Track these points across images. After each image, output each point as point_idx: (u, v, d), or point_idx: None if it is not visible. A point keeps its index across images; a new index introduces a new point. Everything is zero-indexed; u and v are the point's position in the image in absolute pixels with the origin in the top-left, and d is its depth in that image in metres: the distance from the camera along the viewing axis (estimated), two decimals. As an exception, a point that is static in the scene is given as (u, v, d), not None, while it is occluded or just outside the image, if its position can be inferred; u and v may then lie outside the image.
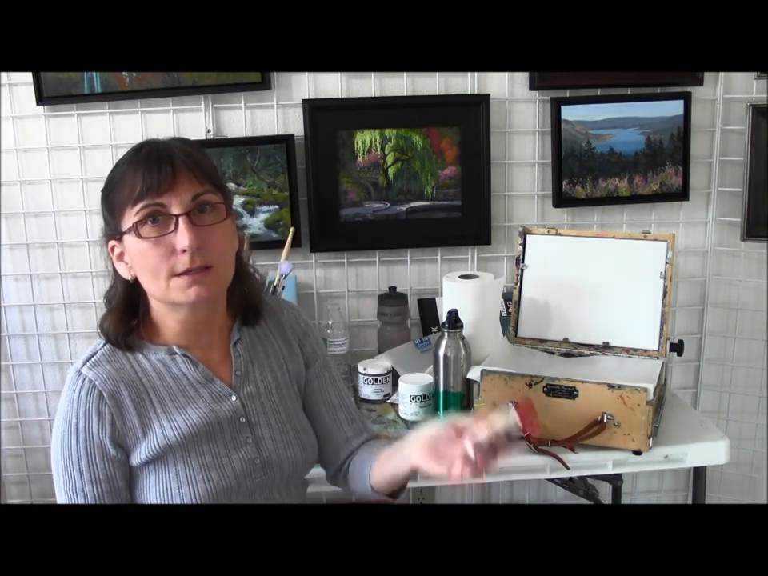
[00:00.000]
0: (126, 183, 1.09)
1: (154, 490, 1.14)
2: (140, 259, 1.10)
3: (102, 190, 1.14)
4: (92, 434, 1.11)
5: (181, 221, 1.07)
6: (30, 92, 1.89)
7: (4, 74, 1.91)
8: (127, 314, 1.17)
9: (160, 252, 1.08)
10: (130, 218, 1.08)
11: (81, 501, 1.11)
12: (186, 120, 1.98)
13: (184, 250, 1.07)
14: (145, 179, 1.07)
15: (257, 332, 1.27)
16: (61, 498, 1.13)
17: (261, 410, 1.22)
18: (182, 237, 1.07)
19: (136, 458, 1.13)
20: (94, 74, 1.89)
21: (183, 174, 1.08)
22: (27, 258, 2.02)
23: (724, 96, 2.06)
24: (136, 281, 1.14)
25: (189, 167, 1.09)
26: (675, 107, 2.05)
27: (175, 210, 1.08)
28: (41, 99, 1.90)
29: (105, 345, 1.17)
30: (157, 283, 1.10)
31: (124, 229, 1.10)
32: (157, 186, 1.07)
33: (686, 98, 2.04)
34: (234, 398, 1.20)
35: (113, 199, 1.11)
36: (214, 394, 1.18)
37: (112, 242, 1.14)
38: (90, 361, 1.15)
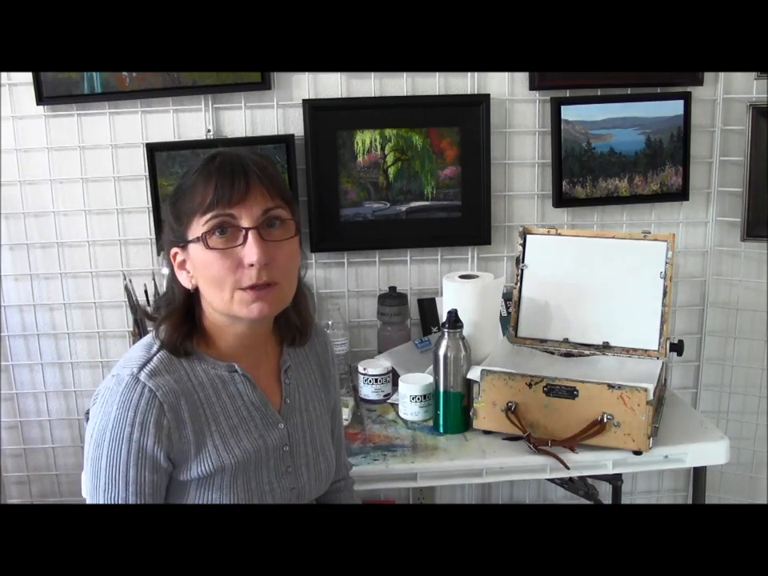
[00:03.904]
0: (196, 192, 1.07)
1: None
2: (205, 269, 1.07)
3: (170, 197, 1.13)
4: (146, 447, 1.06)
5: (250, 234, 1.05)
6: (30, 92, 1.90)
7: (4, 74, 1.91)
8: (184, 322, 1.13)
9: (226, 264, 1.06)
10: (198, 227, 1.06)
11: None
12: (186, 120, 1.98)
13: (251, 265, 1.05)
14: (217, 189, 1.05)
15: (299, 358, 1.26)
16: (97, 501, 1.08)
17: (302, 440, 1.22)
18: (251, 251, 1.05)
19: (185, 474, 1.10)
20: (94, 73, 1.89)
21: (256, 187, 1.06)
22: (27, 258, 2.02)
23: (724, 96, 2.06)
24: (195, 290, 1.12)
25: (262, 181, 1.07)
26: (675, 107, 2.05)
27: (245, 222, 1.05)
28: (41, 99, 1.90)
29: (160, 350, 1.12)
30: (221, 295, 1.08)
31: (190, 237, 1.08)
32: (229, 197, 1.05)
33: (686, 98, 2.05)
34: (281, 425, 1.18)
35: (181, 206, 1.09)
36: (266, 420, 1.17)
37: (175, 249, 1.11)
38: (147, 368, 1.09)
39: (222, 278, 1.06)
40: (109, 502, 1.07)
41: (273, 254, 1.07)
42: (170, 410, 1.08)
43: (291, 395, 1.22)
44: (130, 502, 1.07)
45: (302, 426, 1.22)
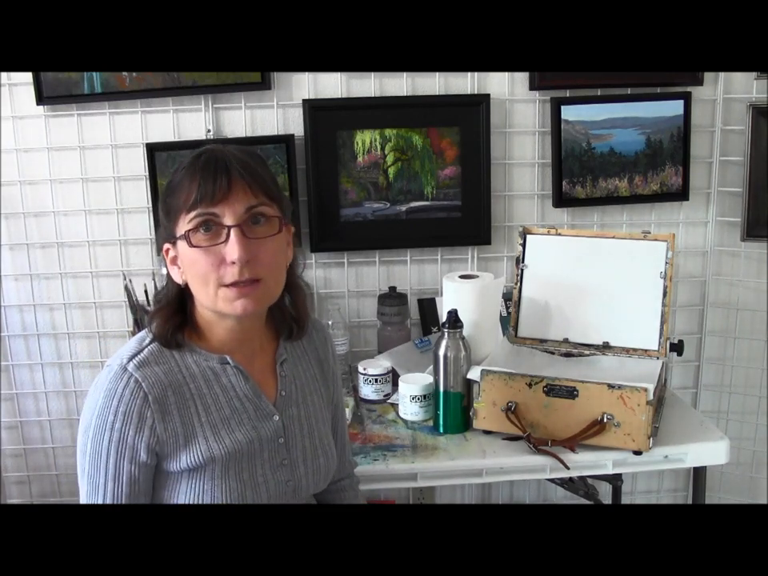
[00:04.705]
0: (182, 189, 1.09)
1: (184, 498, 1.12)
2: (191, 266, 1.10)
3: (162, 193, 1.16)
4: (126, 436, 1.08)
5: (232, 232, 1.07)
6: (30, 92, 1.90)
7: (4, 74, 1.91)
8: (175, 315, 1.15)
9: (210, 261, 1.08)
10: (183, 225, 1.09)
11: (100, 496, 1.10)
12: (186, 120, 1.98)
13: (233, 262, 1.07)
14: (200, 188, 1.07)
15: (297, 352, 1.27)
16: (82, 488, 1.12)
17: (298, 433, 1.22)
18: (232, 249, 1.06)
19: (174, 465, 1.11)
20: (94, 73, 1.89)
21: (238, 184, 1.08)
22: (27, 258, 2.02)
23: (724, 96, 2.06)
24: (187, 285, 1.13)
25: (245, 178, 1.08)
26: (675, 107, 2.05)
27: (228, 220, 1.07)
28: (41, 99, 1.90)
29: (152, 342, 1.14)
30: (206, 291, 1.10)
31: (177, 234, 1.10)
32: (211, 196, 1.06)
33: (686, 98, 2.05)
34: (276, 417, 1.19)
35: (170, 203, 1.12)
36: (259, 411, 1.17)
37: (167, 246, 1.14)
38: (136, 358, 1.11)
39: (206, 275, 1.09)
40: (91, 489, 1.10)
41: (256, 251, 1.08)
42: (155, 402, 1.09)
43: (287, 388, 1.22)
44: (108, 490, 1.09)
45: (299, 418, 1.22)
